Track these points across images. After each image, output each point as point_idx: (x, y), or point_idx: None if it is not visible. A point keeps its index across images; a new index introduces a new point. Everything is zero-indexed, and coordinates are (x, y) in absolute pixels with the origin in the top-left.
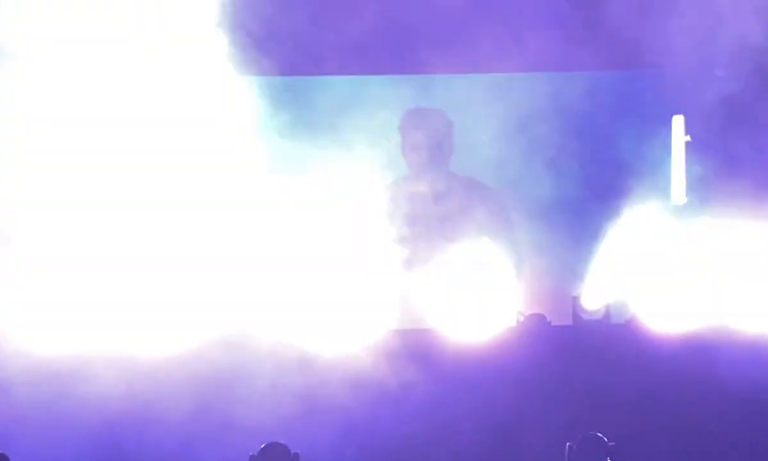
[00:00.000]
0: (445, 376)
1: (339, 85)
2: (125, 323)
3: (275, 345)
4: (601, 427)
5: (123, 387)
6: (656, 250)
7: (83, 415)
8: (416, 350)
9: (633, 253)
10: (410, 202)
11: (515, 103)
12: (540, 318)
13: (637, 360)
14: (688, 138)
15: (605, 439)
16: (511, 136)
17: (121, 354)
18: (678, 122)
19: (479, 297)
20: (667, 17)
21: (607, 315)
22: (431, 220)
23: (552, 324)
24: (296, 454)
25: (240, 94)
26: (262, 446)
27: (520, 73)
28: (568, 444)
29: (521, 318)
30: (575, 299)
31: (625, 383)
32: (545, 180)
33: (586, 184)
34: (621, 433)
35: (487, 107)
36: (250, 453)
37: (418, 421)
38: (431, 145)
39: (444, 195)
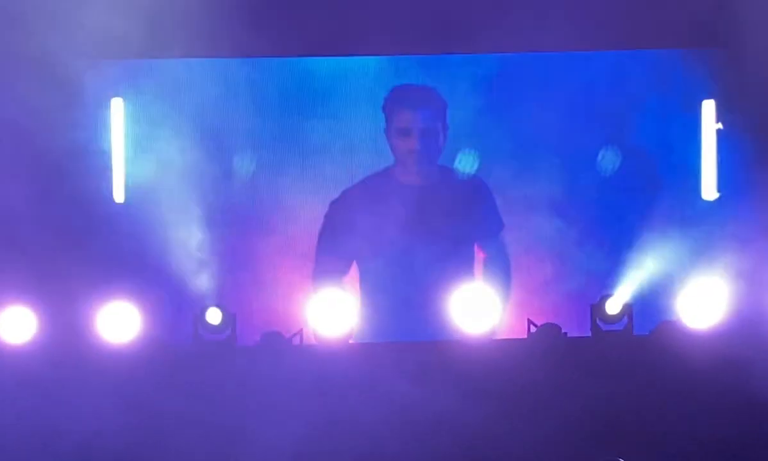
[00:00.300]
0: (447, 393)
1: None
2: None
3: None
4: (623, 451)
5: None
6: (685, 252)
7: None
8: (414, 365)
9: (659, 255)
10: (399, 199)
11: (523, 85)
12: (554, 329)
13: (664, 377)
14: (719, 125)
15: None
16: (517, 122)
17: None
18: (708, 108)
19: (482, 305)
20: None
21: (630, 325)
22: (424, 221)
23: (567, 335)
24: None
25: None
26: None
27: (528, 53)
28: None
29: (533, 329)
30: (594, 307)
31: (650, 402)
32: (557, 172)
33: (604, 176)
34: (644, 460)
35: (490, 90)
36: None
37: (418, 441)
38: (423, 130)
39: (438, 191)
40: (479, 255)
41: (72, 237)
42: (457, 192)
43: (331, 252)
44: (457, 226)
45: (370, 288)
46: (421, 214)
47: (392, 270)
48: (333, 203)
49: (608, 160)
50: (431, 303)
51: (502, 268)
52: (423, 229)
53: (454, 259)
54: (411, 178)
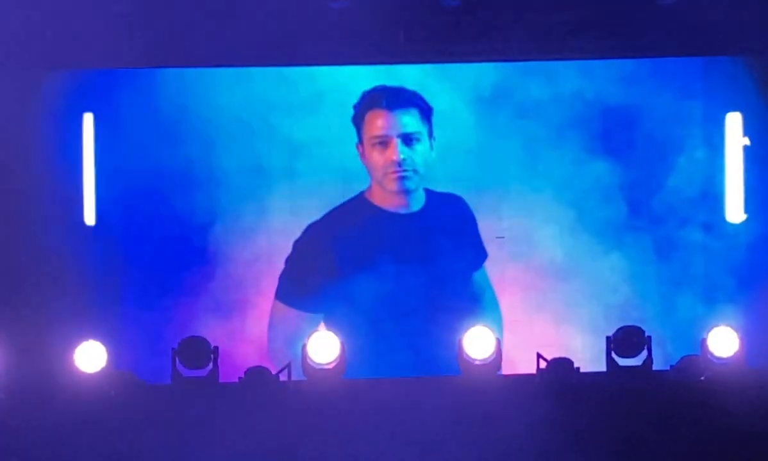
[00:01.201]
0: (447, 432)
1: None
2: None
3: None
4: None
5: None
6: (710, 278)
7: None
8: (411, 401)
9: (679, 283)
10: (377, 230)
11: (535, 96)
12: (565, 364)
13: (687, 416)
14: (746, 141)
15: None
16: (528, 138)
17: None
18: (734, 121)
19: (485, 339)
20: None
21: (650, 359)
22: (410, 256)
23: (580, 370)
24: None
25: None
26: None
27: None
28: None
29: (542, 363)
30: (609, 340)
31: (670, 444)
32: (567, 190)
33: (620, 195)
34: None
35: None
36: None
37: None
38: (405, 136)
39: (425, 220)
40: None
41: (40, 263)
42: (445, 220)
43: (292, 303)
44: (448, 260)
45: (346, 334)
46: (406, 247)
47: (374, 315)
48: (296, 243)
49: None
50: (424, 349)
51: (491, 301)
52: (409, 267)
53: (445, 299)
54: (394, 200)
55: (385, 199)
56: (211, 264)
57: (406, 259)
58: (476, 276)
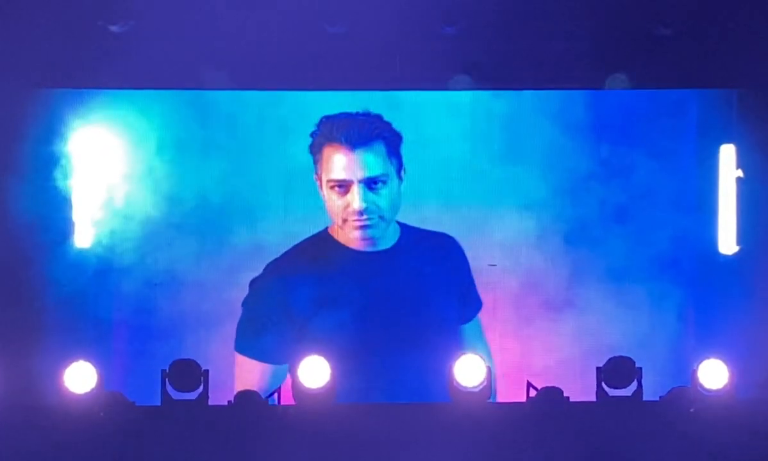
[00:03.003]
0: (439, 459)
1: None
2: None
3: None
4: None
5: None
6: (701, 309)
7: None
8: (401, 428)
9: (671, 314)
10: (340, 265)
11: (533, 124)
12: (555, 393)
13: (676, 447)
14: (739, 173)
15: None
16: (522, 166)
17: None
18: (727, 153)
19: (475, 367)
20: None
21: (640, 389)
22: (379, 300)
23: (570, 400)
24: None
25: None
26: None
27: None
28: None
29: (532, 393)
30: (600, 370)
31: None
32: (559, 220)
33: (612, 227)
34: None
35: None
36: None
37: None
38: (368, 181)
39: (396, 260)
40: (475, 333)
41: (30, 284)
42: (424, 260)
43: (253, 354)
44: (426, 307)
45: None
46: (374, 289)
47: (342, 356)
48: (252, 283)
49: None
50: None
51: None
52: (376, 313)
53: (419, 355)
54: (357, 242)
55: (349, 240)
56: (204, 287)
57: (372, 300)
58: (466, 329)
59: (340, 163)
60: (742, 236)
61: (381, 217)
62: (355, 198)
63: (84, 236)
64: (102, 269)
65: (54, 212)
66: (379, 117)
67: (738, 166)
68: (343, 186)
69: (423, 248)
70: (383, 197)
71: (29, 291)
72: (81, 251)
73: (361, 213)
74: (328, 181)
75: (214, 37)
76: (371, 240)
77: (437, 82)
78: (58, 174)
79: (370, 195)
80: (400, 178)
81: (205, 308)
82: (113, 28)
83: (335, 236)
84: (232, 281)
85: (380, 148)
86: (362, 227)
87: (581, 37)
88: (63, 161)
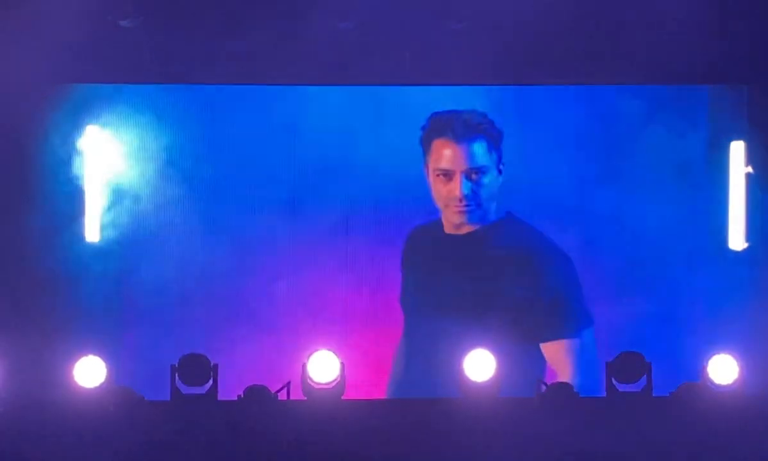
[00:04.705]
0: (449, 454)
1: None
2: None
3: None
4: None
5: None
6: (711, 307)
7: None
8: (410, 424)
9: (681, 309)
10: (436, 254)
11: (540, 122)
12: (566, 388)
13: (686, 443)
14: (749, 169)
15: None
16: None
17: None
18: (737, 149)
19: (485, 361)
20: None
21: (650, 385)
22: (461, 284)
23: (580, 395)
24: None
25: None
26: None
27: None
28: None
29: (542, 388)
30: (609, 365)
31: None
32: (569, 217)
33: (620, 223)
34: None
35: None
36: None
37: None
38: (470, 170)
39: (489, 247)
40: (559, 358)
41: (40, 277)
42: (520, 257)
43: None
44: (519, 317)
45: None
46: (466, 276)
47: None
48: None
49: None
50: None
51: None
52: (467, 306)
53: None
54: (458, 229)
55: (450, 226)
56: (214, 282)
57: (456, 274)
58: (569, 346)
59: (446, 154)
60: (752, 232)
61: (479, 204)
62: (458, 185)
63: (94, 231)
64: (111, 264)
65: (64, 206)
66: (483, 114)
67: (747, 163)
68: (448, 175)
69: (513, 235)
70: (482, 186)
71: (39, 286)
72: (91, 246)
73: (461, 199)
74: (435, 169)
75: (222, 31)
76: (468, 224)
77: (447, 76)
78: (68, 169)
79: (470, 184)
80: (499, 171)
81: (214, 303)
82: (123, 23)
83: (441, 222)
84: (242, 276)
85: (483, 142)
86: (461, 213)
87: (590, 32)
88: (74, 156)
